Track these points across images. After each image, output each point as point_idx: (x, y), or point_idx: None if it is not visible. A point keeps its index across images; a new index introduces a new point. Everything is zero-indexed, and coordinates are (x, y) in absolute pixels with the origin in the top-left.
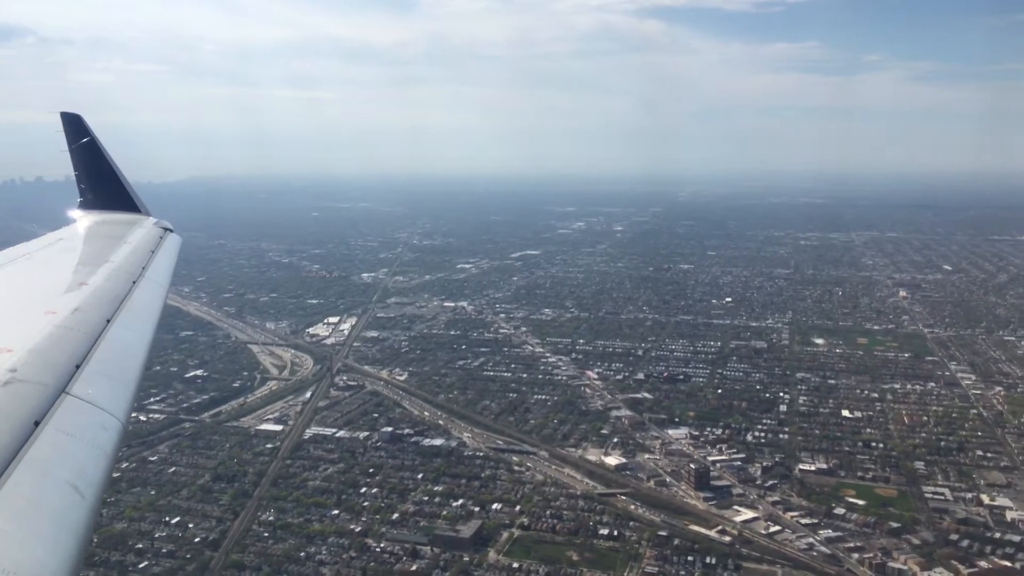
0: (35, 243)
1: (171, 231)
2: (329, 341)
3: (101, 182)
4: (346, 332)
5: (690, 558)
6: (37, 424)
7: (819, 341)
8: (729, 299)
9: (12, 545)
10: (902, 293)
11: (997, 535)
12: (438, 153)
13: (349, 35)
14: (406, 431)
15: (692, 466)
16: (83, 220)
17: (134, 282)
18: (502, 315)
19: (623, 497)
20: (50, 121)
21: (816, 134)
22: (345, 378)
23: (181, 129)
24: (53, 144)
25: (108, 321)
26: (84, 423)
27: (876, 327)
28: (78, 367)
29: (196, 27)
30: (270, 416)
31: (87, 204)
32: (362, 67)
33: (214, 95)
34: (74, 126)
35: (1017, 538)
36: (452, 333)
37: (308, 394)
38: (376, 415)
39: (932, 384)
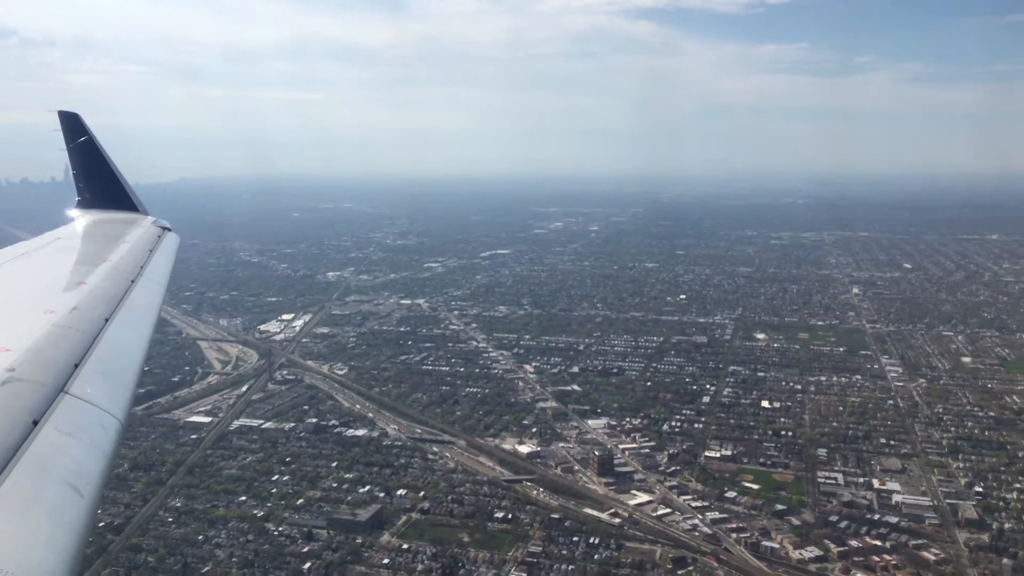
0: (33, 242)
1: (169, 230)
2: (279, 337)
3: (99, 181)
4: (297, 328)
5: (575, 538)
6: (36, 423)
7: (760, 336)
8: (683, 296)
9: (11, 544)
10: (855, 290)
11: (876, 517)
12: (433, 154)
13: (341, 36)
14: (332, 422)
15: (596, 453)
16: (81, 219)
17: (132, 281)
18: (456, 312)
19: (528, 483)
20: (38, 122)
21: (810, 135)
22: (285, 372)
23: (173, 130)
24: (40, 145)
25: (106, 320)
26: (82, 422)
27: (820, 323)
28: (76, 366)
29: (186, 28)
30: (202, 409)
31: (85, 203)
32: (355, 68)
33: (206, 96)
34: (72, 125)
35: (895, 519)
36: (402, 329)
37: (244, 388)
38: (306, 407)
39: (858, 376)
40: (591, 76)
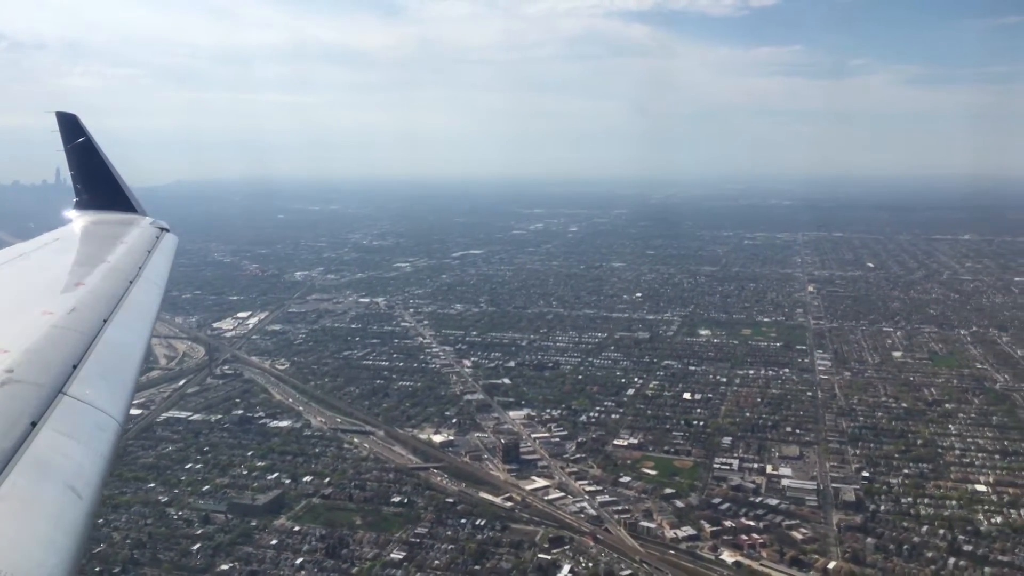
0: (31, 243)
1: (167, 231)
2: (230, 334)
3: (97, 182)
4: (251, 326)
5: (463, 521)
6: (34, 425)
7: (704, 332)
8: (639, 294)
9: (9, 546)
10: (809, 288)
11: (758, 499)
12: (431, 156)
13: (337, 39)
14: (258, 414)
15: (502, 441)
16: (79, 220)
17: (131, 282)
18: (411, 310)
19: (434, 470)
20: (30, 125)
21: (807, 137)
22: (227, 368)
23: (168, 133)
24: (32, 148)
25: (105, 321)
26: (81, 424)
27: (767, 319)
28: (75, 367)
29: (180, 31)
30: (136, 401)
31: (83, 204)
32: (351, 71)
33: (202, 99)
34: (70, 126)
35: (775, 502)
36: (353, 326)
37: (182, 382)
38: (238, 400)
39: (786, 370)
40: (588, 78)
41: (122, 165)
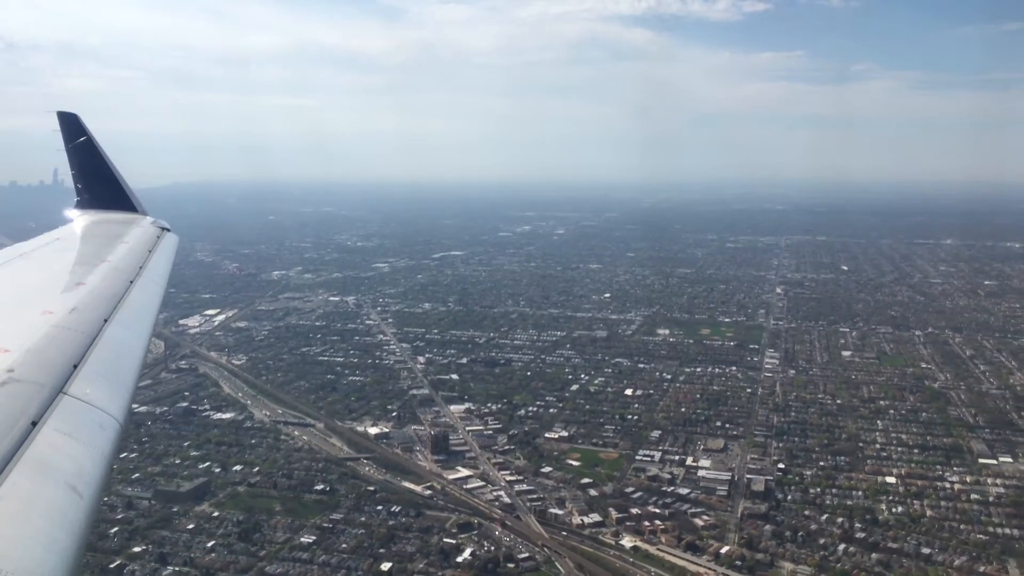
0: (32, 243)
1: (168, 230)
2: (194, 331)
3: (98, 181)
4: (216, 323)
5: (379, 507)
6: (35, 424)
7: (662, 331)
8: (608, 295)
9: (10, 545)
10: (777, 290)
11: (669, 489)
12: (433, 160)
13: (338, 42)
14: (203, 407)
15: (431, 433)
16: (80, 220)
17: (131, 281)
18: (378, 308)
19: (364, 460)
20: (28, 126)
21: (808, 143)
22: (183, 362)
23: (168, 135)
24: (30, 149)
25: (106, 321)
26: (82, 423)
27: (727, 319)
28: (76, 367)
29: (180, 33)
30: None
31: (84, 203)
32: (353, 74)
33: (202, 101)
34: (71, 125)
35: (685, 491)
36: (317, 324)
37: None
38: (187, 393)
39: (733, 368)
40: (588, 83)
41: (119, 166)
